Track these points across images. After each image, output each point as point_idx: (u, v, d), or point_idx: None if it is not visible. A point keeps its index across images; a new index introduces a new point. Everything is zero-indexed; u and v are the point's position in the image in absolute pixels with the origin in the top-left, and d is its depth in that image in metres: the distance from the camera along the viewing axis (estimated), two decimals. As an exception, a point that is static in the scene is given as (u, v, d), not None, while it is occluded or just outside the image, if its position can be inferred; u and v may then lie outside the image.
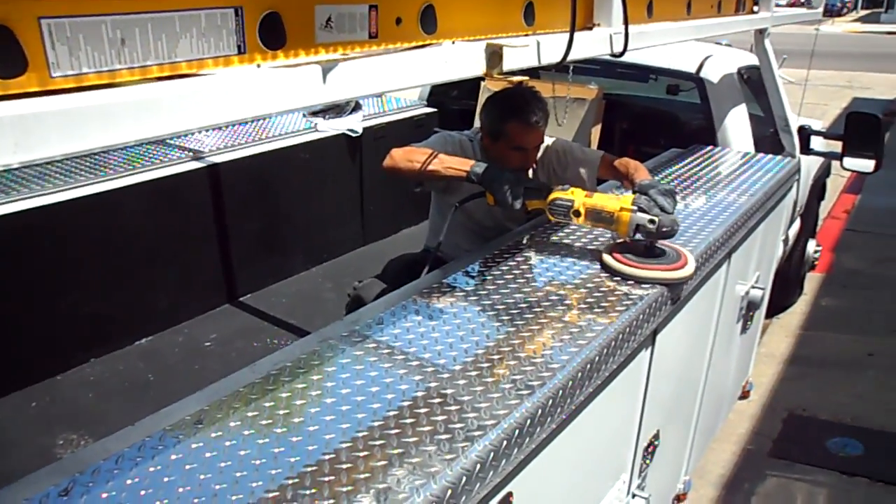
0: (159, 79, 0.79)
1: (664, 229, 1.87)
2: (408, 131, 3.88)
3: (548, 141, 2.60)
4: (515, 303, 1.71)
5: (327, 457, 1.17)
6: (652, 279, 1.85)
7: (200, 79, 0.82)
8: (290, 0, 0.95)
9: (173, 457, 1.15)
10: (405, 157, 2.29)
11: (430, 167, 2.23)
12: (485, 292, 1.77)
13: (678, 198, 2.44)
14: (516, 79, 1.36)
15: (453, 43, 1.30)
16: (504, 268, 1.92)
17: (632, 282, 1.84)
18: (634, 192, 2.02)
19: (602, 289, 1.81)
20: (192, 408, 1.29)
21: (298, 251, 3.56)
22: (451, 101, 4.23)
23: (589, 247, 2.08)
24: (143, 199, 2.83)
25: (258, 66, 0.96)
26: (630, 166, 2.39)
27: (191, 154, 3.11)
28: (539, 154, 2.57)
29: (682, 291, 1.95)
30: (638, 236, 1.91)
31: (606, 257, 1.93)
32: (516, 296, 1.75)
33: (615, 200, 1.94)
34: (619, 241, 2.01)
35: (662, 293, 1.82)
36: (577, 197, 1.99)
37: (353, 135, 3.66)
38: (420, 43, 1.23)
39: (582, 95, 3.55)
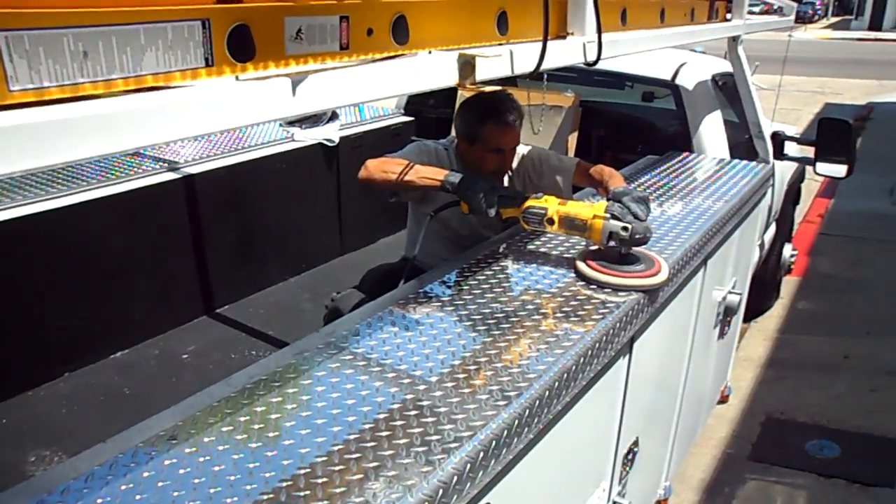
0: (125, 92, 0.78)
1: (637, 236, 1.88)
2: (385, 140, 3.87)
3: (523, 149, 2.60)
4: (492, 312, 1.71)
5: (303, 471, 1.16)
6: (626, 286, 1.85)
7: (166, 92, 0.81)
8: (258, 12, 0.95)
9: (145, 474, 1.14)
10: (380, 168, 2.29)
11: (405, 178, 2.23)
12: (461, 302, 1.76)
13: (653, 205, 2.45)
14: (489, 88, 1.36)
15: (430, 53, 1.30)
16: (481, 277, 1.91)
17: (608, 289, 1.85)
18: (608, 200, 2.03)
19: (579, 297, 1.81)
20: (166, 423, 1.27)
21: (276, 262, 3.54)
22: (428, 110, 4.24)
23: (566, 255, 2.08)
24: (117, 210, 2.80)
25: (237, 78, 0.96)
26: (605, 173, 2.40)
27: (166, 165, 3.08)
28: (515, 163, 2.58)
29: (658, 298, 1.96)
30: (611, 243, 1.92)
31: (580, 265, 1.93)
32: (493, 305, 1.74)
33: (588, 208, 1.96)
34: (592, 248, 2.02)
35: (640, 300, 1.82)
36: (550, 205, 2.00)
37: (330, 144, 3.65)
38: (392, 53, 1.23)
39: (559, 103, 3.57)
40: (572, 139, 3.63)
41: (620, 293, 1.83)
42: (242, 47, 0.94)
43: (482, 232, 2.52)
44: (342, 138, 3.72)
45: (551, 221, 1.99)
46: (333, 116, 3.72)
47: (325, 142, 3.63)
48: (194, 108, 0.82)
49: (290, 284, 3.58)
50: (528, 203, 2.03)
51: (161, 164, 3.10)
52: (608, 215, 1.91)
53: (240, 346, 3.00)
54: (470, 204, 2.10)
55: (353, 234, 3.93)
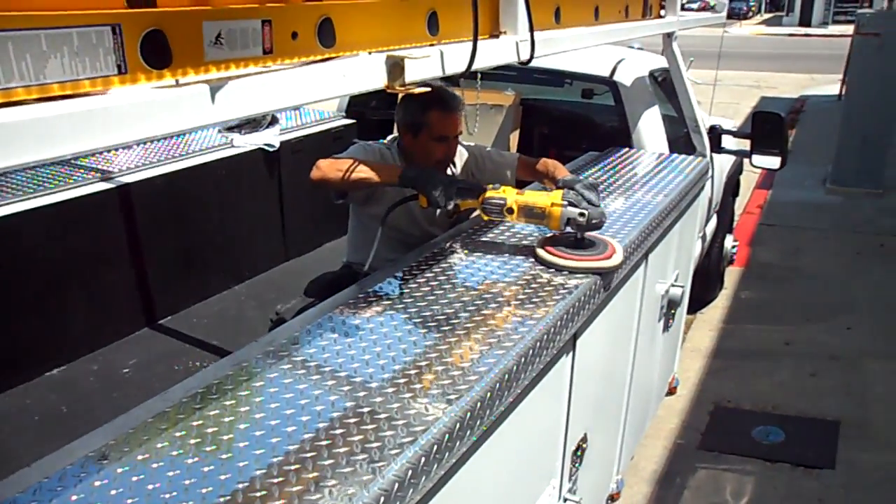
0: (27, 101, 0.74)
1: (594, 221, 1.98)
2: (326, 144, 3.83)
3: (463, 147, 2.61)
4: (434, 314, 1.70)
5: (241, 485, 1.13)
6: (586, 269, 1.93)
7: (73, 101, 0.77)
8: (174, 17, 0.92)
9: (74, 497, 1.09)
10: (334, 167, 2.26)
11: (361, 175, 2.21)
12: (403, 304, 1.75)
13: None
14: (419, 90, 1.34)
15: (357, 55, 1.29)
16: (422, 279, 1.90)
17: (565, 273, 1.91)
18: (560, 189, 2.09)
19: (520, 295, 1.81)
20: (97, 443, 1.23)
21: (219, 270, 3.47)
22: (370, 112, 4.21)
23: (506, 251, 2.09)
24: (49, 222, 2.71)
25: (177, 82, 0.93)
26: (549, 165, 2.48)
27: (100, 175, 2.99)
28: (457, 162, 2.58)
29: (610, 282, 2.02)
30: (568, 229, 2.00)
31: (540, 251, 2.01)
32: (434, 306, 1.73)
33: (546, 197, 2.03)
34: (548, 235, 2.08)
35: (580, 298, 1.83)
36: (509, 195, 2.06)
37: (271, 149, 3.59)
38: (319, 57, 1.20)
39: (499, 102, 3.58)
40: (514, 137, 3.65)
41: (572, 277, 1.87)
42: (158, 53, 0.91)
43: (431, 231, 2.52)
44: (283, 143, 3.67)
45: (511, 211, 2.04)
46: (273, 121, 3.67)
47: (265, 147, 3.58)
48: (104, 117, 0.78)
49: (235, 293, 3.51)
50: (488, 194, 2.07)
51: (95, 173, 3.01)
52: (565, 202, 1.99)
53: (184, 357, 2.93)
54: (429, 197, 2.09)
55: (298, 240, 3.88)
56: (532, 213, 2.03)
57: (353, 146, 2.53)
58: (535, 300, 1.78)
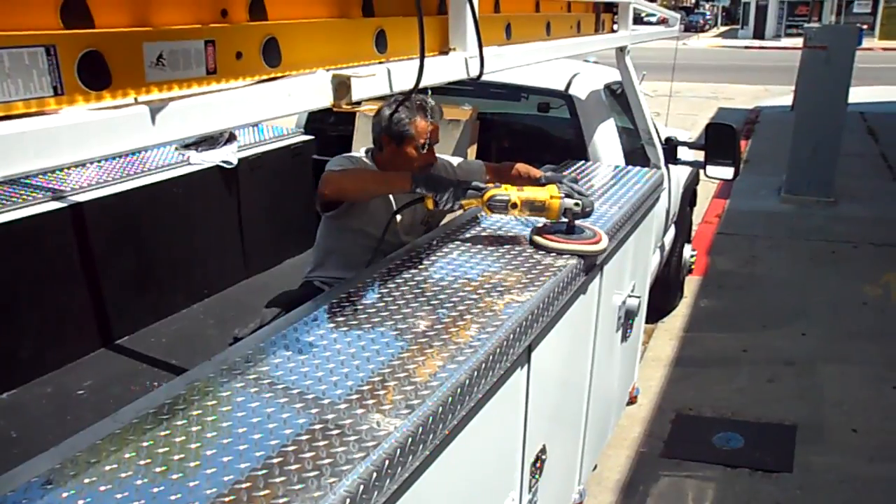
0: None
1: (587, 209, 2.23)
2: (285, 160, 3.83)
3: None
4: (388, 328, 1.70)
5: (190, 507, 1.12)
6: (581, 251, 2.19)
7: (5, 123, 0.76)
8: (111, 38, 0.91)
9: (17, 525, 1.08)
10: (346, 179, 2.42)
11: (377, 184, 2.41)
12: (356, 321, 1.74)
13: None
14: (366, 108, 1.35)
15: (309, 73, 1.29)
16: (378, 293, 1.90)
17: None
18: (549, 184, 2.29)
19: (474, 308, 1.82)
20: (42, 467, 1.21)
21: (177, 288, 3.43)
22: (329, 128, 4.21)
23: (462, 262, 2.11)
24: None
25: (135, 100, 0.92)
26: (521, 168, 2.69)
27: (50, 194, 2.94)
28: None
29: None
30: (563, 219, 2.23)
31: (538, 238, 2.24)
32: (388, 322, 1.74)
33: (543, 191, 2.24)
34: (539, 226, 2.30)
35: (532, 311, 1.84)
36: (511, 192, 2.23)
37: (228, 166, 3.57)
38: (265, 77, 1.21)
39: (456, 117, 3.61)
40: (471, 151, 3.67)
41: (525, 291, 1.94)
42: (96, 75, 0.90)
43: (406, 240, 2.57)
44: (241, 160, 3.64)
45: (514, 206, 2.21)
46: (231, 138, 3.65)
47: (222, 164, 3.56)
48: (38, 139, 0.78)
49: (194, 311, 3.47)
50: (491, 192, 2.23)
51: (44, 193, 2.96)
52: (562, 195, 2.21)
53: (141, 378, 2.88)
54: (439, 199, 2.24)
55: (257, 257, 3.85)
56: (533, 207, 2.22)
57: (338, 159, 2.63)
58: (488, 314, 1.79)
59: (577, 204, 2.20)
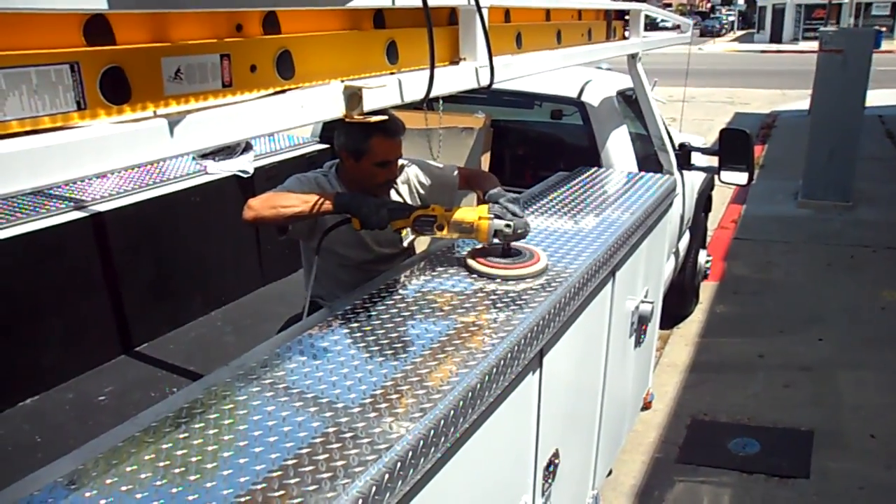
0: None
1: (519, 231, 2.13)
2: (300, 169, 3.81)
3: (404, 162, 2.65)
4: (400, 335, 1.73)
5: (208, 508, 1.15)
6: (515, 276, 2.08)
7: (32, 137, 0.80)
8: (132, 54, 0.95)
9: (42, 525, 1.11)
10: (267, 204, 2.27)
11: (296, 209, 2.22)
12: (370, 327, 1.77)
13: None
14: (377, 117, 1.39)
15: (322, 85, 1.32)
16: (385, 304, 1.93)
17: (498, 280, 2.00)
18: (486, 203, 2.24)
19: (488, 313, 1.85)
20: (65, 469, 1.25)
21: (195, 296, 3.49)
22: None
23: (466, 271, 2.14)
24: (21, 251, 2.72)
25: (154, 113, 0.95)
26: (481, 178, 2.61)
27: (71, 204, 3.01)
28: (400, 177, 2.63)
29: (574, 297, 2.12)
30: (496, 241, 2.13)
31: (470, 262, 2.15)
32: (400, 329, 1.76)
33: (472, 211, 2.15)
34: (478, 247, 2.22)
35: (544, 316, 1.87)
36: (438, 212, 2.16)
37: (245, 175, 3.62)
38: (279, 88, 1.25)
39: (470, 125, 3.64)
40: (485, 159, 3.70)
41: (529, 306, 1.90)
42: (117, 89, 0.94)
43: (383, 251, 2.57)
44: (257, 169, 3.70)
45: (441, 227, 2.15)
46: (247, 147, 3.70)
47: (239, 173, 3.61)
48: (63, 152, 0.82)
49: (211, 318, 3.52)
50: (418, 213, 2.18)
51: (67, 203, 3.02)
52: (491, 216, 2.13)
53: (161, 384, 2.93)
54: (362, 219, 2.16)
55: (273, 265, 3.90)
56: (461, 228, 2.15)
57: (288, 179, 2.54)
58: (499, 319, 1.81)
59: (507, 226, 2.11)
